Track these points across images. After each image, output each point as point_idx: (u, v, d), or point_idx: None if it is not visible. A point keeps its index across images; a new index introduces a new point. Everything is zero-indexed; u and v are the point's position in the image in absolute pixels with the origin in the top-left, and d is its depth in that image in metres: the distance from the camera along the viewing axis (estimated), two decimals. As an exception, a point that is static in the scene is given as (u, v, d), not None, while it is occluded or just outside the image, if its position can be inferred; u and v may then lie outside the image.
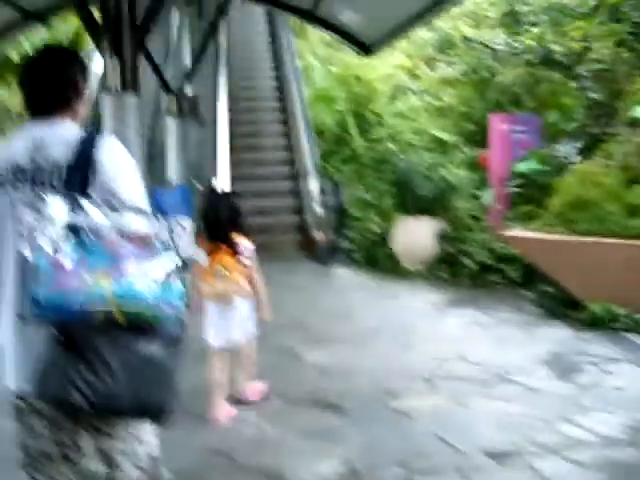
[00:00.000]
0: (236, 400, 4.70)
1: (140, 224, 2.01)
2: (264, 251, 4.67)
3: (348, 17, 8.16)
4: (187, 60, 12.46)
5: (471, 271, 8.30)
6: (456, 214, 8.92)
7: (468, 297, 7.74)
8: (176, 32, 14.36)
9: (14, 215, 1.98)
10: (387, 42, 8.13)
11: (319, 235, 10.31)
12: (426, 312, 7.17)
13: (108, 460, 2.20)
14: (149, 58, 8.81)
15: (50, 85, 2.26)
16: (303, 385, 5.12)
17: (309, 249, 10.44)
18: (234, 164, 11.88)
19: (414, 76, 13.30)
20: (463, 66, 11.51)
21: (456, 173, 9.15)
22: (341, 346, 6.01)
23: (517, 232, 7.39)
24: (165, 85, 9.86)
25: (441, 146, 11.40)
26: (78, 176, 2.11)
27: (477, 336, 6.31)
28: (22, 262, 1.91)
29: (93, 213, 1.99)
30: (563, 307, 6.75)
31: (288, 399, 4.84)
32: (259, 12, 18.78)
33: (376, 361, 5.58)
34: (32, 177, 2.14)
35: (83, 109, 2.35)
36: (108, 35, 4.99)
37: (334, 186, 9.64)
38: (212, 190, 5.03)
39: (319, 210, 10.85)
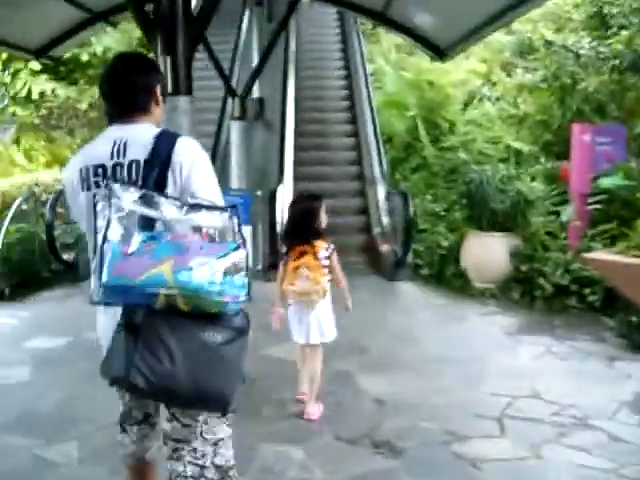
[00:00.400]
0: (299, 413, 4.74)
1: (211, 220, 2.17)
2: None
3: (421, 19, 7.73)
4: (255, 62, 12.24)
5: (546, 293, 7.67)
6: (532, 230, 8.30)
7: (543, 322, 7.14)
8: (245, 34, 14.22)
9: (95, 209, 2.17)
10: (462, 46, 7.62)
11: (385, 247, 9.86)
12: (497, 338, 6.62)
13: (174, 449, 2.38)
14: (214, 60, 8.59)
15: (128, 92, 2.47)
16: (358, 418, 4.70)
17: (374, 261, 10.00)
18: (299, 163, 11.58)
19: (489, 82, 12.71)
20: (543, 72, 10.82)
21: (533, 186, 8.51)
22: (402, 374, 5.54)
23: (598, 254, 6.77)
24: (229, 88, 9.60)
25: (517, 157, 10.80)
26: (155, 173, 2.28)
27: (552, 369, 5.74)
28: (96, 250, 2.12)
29: (166, 207, 2.16)
30: (649, 339, 6.13)
31: (340, 435, 4.42)
32: (330, 13, 18.56)
33: (440, 394, 5.09)
34: (113, 173, 2.33)
35: (159, 111, 2.57)
36: (161, 32, 4.68)
37: (402, 195, 9.13)
38: (299, 196, 5.22)
39: (386, 220, 10.41)
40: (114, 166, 2.34)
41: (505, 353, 6.16)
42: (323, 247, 4.56)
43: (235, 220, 2.17)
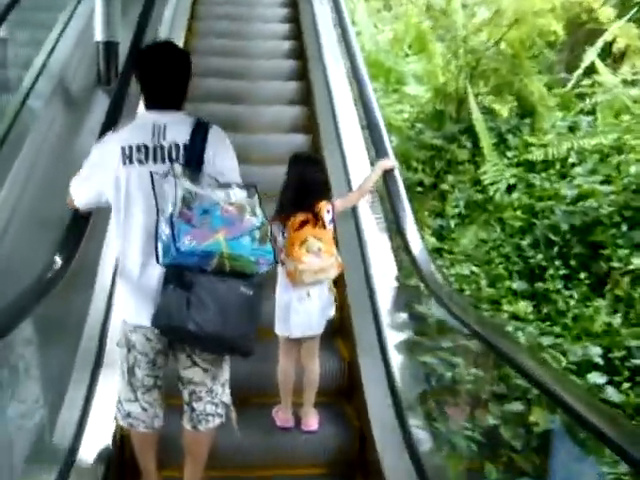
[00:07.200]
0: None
1: (239, 195, 2.55)
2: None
3: None
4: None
5: None
6: None
7: None
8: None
9: (153, 184, 2.49)
10: None
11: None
12: None
13: (193, 392, 2.73)
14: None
15: (171, 84, 2.71)
16: None
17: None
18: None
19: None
20: None
21: None
22: None
23: None
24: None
25: None
26: (194, 155, 2.60)
27: None
28: (157, 221, 2.45)
29: (208, 185, 2.54)
30: None
31: None
32: None
33: None
34: (154, 153, 2.62)
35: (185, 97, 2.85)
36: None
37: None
38: (297, 157, 3.84)
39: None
40: (155, 147, 2.60)
41: None
42: (325, 208, 3.45)
43: (256, 196, 2.54)
